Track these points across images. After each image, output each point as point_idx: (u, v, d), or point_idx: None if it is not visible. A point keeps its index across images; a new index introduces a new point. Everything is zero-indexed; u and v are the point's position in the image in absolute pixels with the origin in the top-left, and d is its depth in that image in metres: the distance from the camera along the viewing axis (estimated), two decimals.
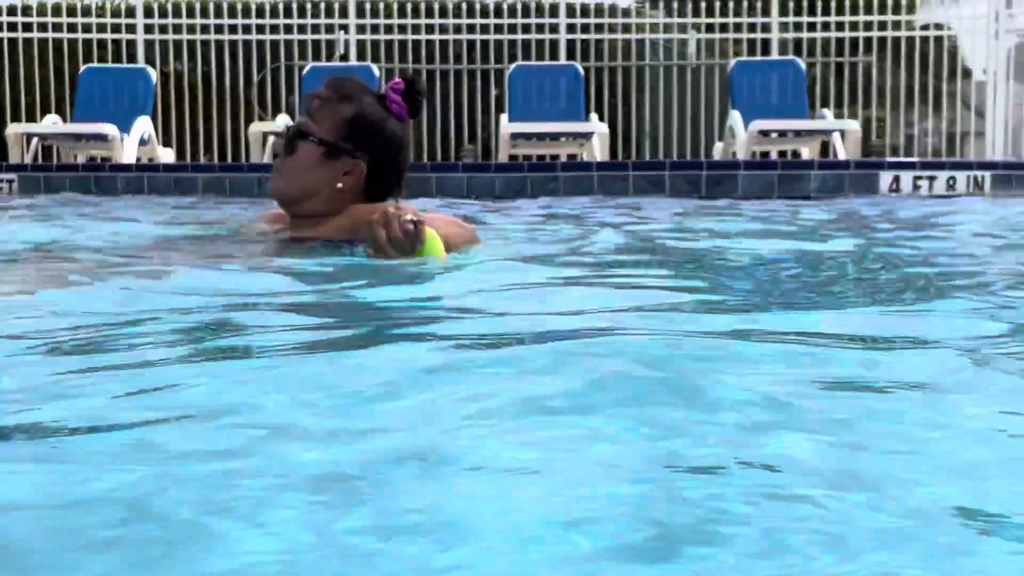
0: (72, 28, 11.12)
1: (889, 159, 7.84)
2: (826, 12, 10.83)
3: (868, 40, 10.98)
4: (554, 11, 11.18)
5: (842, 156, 8.52)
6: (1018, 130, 10.71)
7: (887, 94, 11.14)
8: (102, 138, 8.98)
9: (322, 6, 11.07)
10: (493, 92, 11.20)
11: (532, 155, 9.52)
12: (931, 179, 6.39)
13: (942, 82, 11.23)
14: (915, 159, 7.66)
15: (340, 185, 2.74)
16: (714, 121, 11.22)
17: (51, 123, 9.68)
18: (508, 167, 7.31)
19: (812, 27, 10.96)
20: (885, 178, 6.44)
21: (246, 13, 11.16)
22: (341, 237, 2.64)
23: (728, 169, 6.57)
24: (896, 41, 11.00)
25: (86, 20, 11.09)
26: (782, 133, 9.01)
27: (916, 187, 6.37)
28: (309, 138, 2.73)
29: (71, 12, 11.24)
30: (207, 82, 11.34)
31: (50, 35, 11.07)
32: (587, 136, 9.04)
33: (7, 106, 11.03)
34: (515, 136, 8.97)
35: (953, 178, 6.42)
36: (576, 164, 7.57)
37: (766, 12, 10.94)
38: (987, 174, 6.48)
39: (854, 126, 8.83)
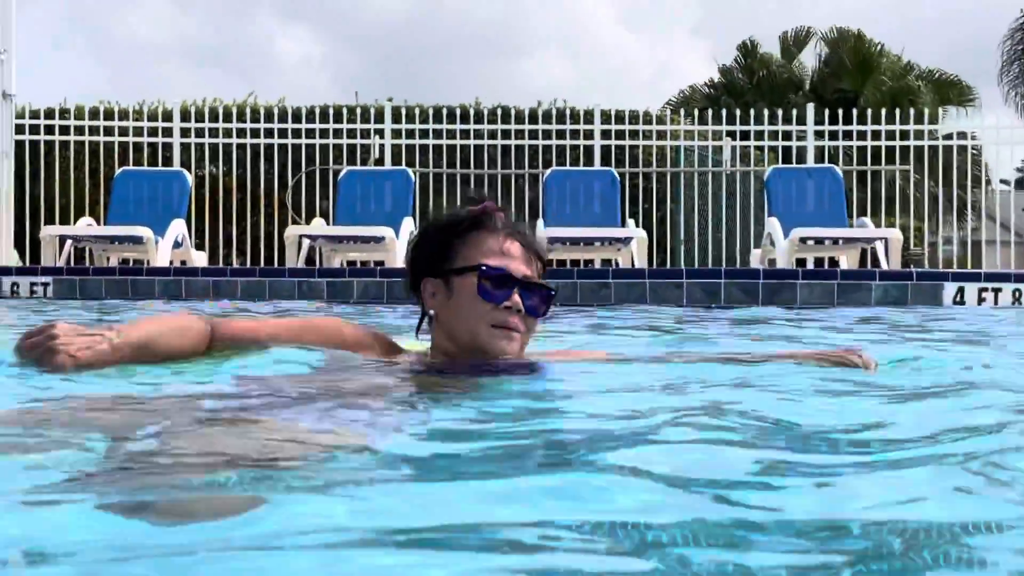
0: (109, 131, 11.15)
1: (953, 270, 7.72)
2: (862, 121, 10.82)
3: (904, 149, 10.92)
4: (589, 117, 11.21)
5: (884, 265, 8.41)
6: None
7: (924, 203, 11.07)
8: (136, 240, 8.89)
9: (358, 111, 11.11)
10: (527, 196, 11.17)
11: (566, 260, 9.42)
12: (996, 291, 6.27)
13: (980, 192, 11.19)
14: (980, 271, 7.54)
15: None
16: (749, 228, 11.16)
17: (85, 225, 9.63)
18: (557, 273, 7.19)
19: (848, 135, 10.94)
20: (949, 289, 6.31)
21: (282, 118, 11.21)
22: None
23: (786, 278, 6.45)
24: (932, 150, 10.97)
25: (123, 124, 11.14)
26: (819, 240, 8.92)
27: (981, 299, 6.24)
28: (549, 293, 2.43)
29: (108, 116, 11.30)
30: (242, 185, 11.34)
31: (87, 138, 11.10)
32: (625, 242, 8.95)
33: (41, 208, 11.01)
34: (552, 241, 8.87)
35: (1019, 290, 6.29)
36: (628, 271, 7.47)
37: (800, 120, 10.93)
38: None
39: (896, 235, 8.74)
